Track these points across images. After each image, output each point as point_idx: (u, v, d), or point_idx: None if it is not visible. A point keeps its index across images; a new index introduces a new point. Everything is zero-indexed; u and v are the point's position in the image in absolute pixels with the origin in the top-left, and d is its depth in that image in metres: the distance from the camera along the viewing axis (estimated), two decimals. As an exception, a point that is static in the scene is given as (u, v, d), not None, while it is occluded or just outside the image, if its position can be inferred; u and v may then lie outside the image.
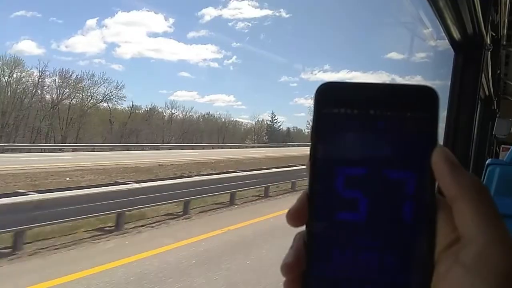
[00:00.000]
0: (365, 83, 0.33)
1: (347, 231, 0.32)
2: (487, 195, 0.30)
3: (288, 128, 73.37)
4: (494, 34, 2.52)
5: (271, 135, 68.39)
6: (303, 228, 0.33)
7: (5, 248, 6.52)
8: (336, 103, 0.32)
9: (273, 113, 71.53)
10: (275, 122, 71.65)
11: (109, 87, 46.68)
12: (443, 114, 1.89)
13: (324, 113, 0.32)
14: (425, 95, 0.32)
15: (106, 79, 47.39)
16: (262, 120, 70.97)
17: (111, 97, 47.07)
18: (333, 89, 0.33)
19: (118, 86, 48.00)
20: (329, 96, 0.33)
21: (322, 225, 0.32)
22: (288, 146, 51.26)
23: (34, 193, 7.61)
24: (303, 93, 74.26)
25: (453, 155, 0.31)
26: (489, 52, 2.07)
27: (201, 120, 61.09)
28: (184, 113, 57.42)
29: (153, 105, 54.76)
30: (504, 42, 3.18)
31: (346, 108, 0.32)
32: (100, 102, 46.54)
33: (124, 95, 48.64)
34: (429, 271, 0.30)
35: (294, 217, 0.33)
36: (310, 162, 0.33)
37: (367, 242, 0.32)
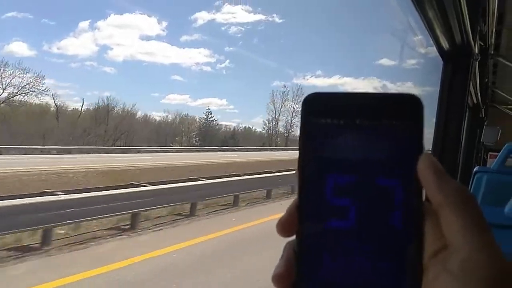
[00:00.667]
0: (351, 93, 0.33)
1: (336, 239, 0.32)
2: (472, 202, 0.30)
3: (234, 128, 63.13)
4: (482, 44, 2.56)
5: (205, 136, 57.37)
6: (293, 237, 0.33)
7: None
8: (323, 113, 0.33)
9: (208, 109, 61.21)
10: (212, 121, 60.16)
11: (25, 78, 38.13)
12: (431, 121, 1.92)
13: (311, 122, 0.33)
14: (410, 103, 0.32)
15: (24, 69, 38.68)
16: (192, 118, 58.97)
17: (30, 90, 38.82)
18: (320, 98, 0.33)
19: (37, 76, 39.19)
20: (316, 106, 0.33)
21: (312, 234, 0.33)
22: (224, 150, 40.23)
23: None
24: (295, 98, 74.08)
25: (438, 162, 0.32)
26: (477, 61, 2.10)
27: (177, 121, 57.16)
28: (125, 112, 49.29)
29: (103, 102, 47.01)
30: (492, 52, 3.23)
31: (332, 117, 0.33)
32: (14, 96, 38.41)
33: (46, 88, 40.64)
34: (417, 277, 0.31)
35: (284, 227, 0.33)
36: (299, 171, 0.33)
37: (357, 249, 0.32)
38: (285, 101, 65.88)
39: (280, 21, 66.50)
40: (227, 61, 70.57)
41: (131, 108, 50.99)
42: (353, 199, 0.32)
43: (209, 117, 61.25)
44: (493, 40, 3.00)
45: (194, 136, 59.04)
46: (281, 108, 66.07)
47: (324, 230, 0.32)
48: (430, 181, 0.31)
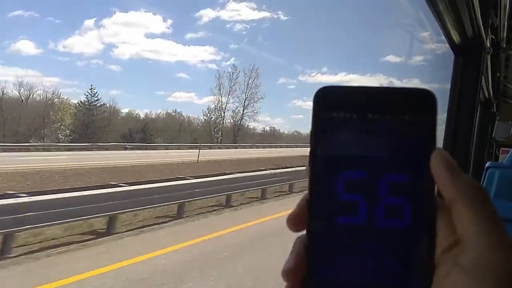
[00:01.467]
0: (363, 87, 0.33)
1: (347, 235, 0.32)
2: (485, 198, 0.30)
3: (145, 118, 45.25)
4: (494, 37, 2.53)
5: (86, 126, 39.72)
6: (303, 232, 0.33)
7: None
8: (334, 107, 0.32)
9: (92, 88, 42.02)
10: (97, 106, 41.78)
11: None
12: (442, 116, 1.90)
13: (322, 117, 0.33)
14: (423, 98, 0.32)
15: None
16: (66, 99, 41.06)
17: None
18: (331, 93, 0.33)
19: None
20: (328, 100, 0.33)
21: (322, 229, 0.32)
22: (105, 148, 28.26)
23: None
24: (301, 95, 73.74)
25: (451, 158, 0.31)
26: (489, 55, 2.07)
27: (162, 117, 49.87)
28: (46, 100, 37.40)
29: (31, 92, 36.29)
30: (504, 45, 3.18)
31: (344, 112, 0.32)
32: None
33: None
34: (429, 274, 0.30)
35: (294, 222, 0.33)
36: (310, 166, 0.33)
37: (368, 246, 0.32)
38: (234, 85, 54.12)
39: (285, 18, 66.35)
40: (232, 58, 70.46)
41: (57, 95, 39.38)
42: (364, 195, 0.32)
43: (92, 100, 41.53)
44: (505, 34, 2.95)
45: (63, 127, 40.53)
46: (228, 94, 53.37)
47: (335, 226, 0.32)
48: (442, 176, 0.30)
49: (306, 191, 0.34)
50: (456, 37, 1.67)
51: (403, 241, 0.31)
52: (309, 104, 0.33)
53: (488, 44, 1.92)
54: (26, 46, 68.25)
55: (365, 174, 0.32)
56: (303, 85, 70.83)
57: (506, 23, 2.71)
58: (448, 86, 1.91)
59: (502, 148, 6.63)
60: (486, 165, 3.41)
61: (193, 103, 75.72)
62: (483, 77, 2.32)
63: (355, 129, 0.32)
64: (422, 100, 0.32)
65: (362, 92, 0.33)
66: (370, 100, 0.32)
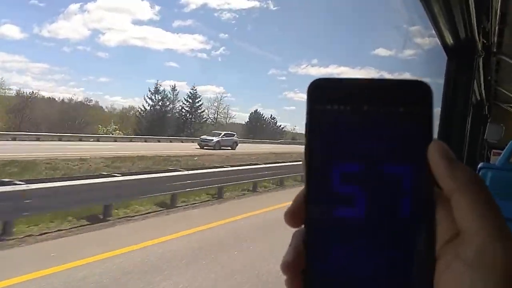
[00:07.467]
0: (357, 79, 0.32)
1: (345, 228, 0.31)
2: (484, 188, 0.29)
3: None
4: (485, 41, 2.57)
5: None
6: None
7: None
8: (329, 99, 0.32)
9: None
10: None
11: None
12: (436, 109, 1.92)
13: (317, 110, 0.32)
14: (418, 89, 0.31)
15: None
16: None
17: None
18: (325, 85, 0.32)
19: None
20: (322, 92, 0.32)
21: (319, 223, 0.32)
22: None
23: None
24: (291, 87, 73.24)
25: (449, 149, 0.31)
26: (481, 59, 2.11)
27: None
28: None
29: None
30: (495, 49, 3.22)
31: (339, 104, 0.32)
32: None
33: None
34: (430, 266, 0.30)
35: (292, 217, 0.33)
36: (306, 159, 0.32)
37: (366, 238, 0.31)
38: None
39: (275, 8, 65.67)
40: (222, 48, 69.43)
41: None
42: (361, 187, 0.31)
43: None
44: (495, 38, 2.99)
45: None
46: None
47: (332, 219, 0.32)
48: (441, 167, 0.30)
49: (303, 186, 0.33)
50: (449, 39, 1.70)
51: (402, 233, 0.31)
52: (301, 96, 0.33)
53: (480, 48, 1.96)
54: (10, 30, 65.70)
55: (361, 166, 0.31)
56: (294, 77, 70.42)
57: (497, 28, 2.75)
58: (439, 80, 1.93)
59: (493, 150, 6.68)
60: (479, 166, 3.45)
61: (184, 93, 74.09)
62: (475, 80, 2.36)
63: (350, 121, 0.31)
64: (417, 91, 0.31)
65: (356, 84, 0.32)
66: (365, 92, 0.32)
